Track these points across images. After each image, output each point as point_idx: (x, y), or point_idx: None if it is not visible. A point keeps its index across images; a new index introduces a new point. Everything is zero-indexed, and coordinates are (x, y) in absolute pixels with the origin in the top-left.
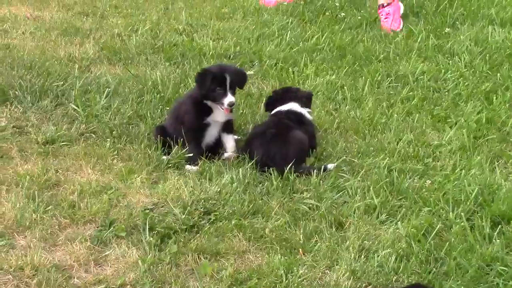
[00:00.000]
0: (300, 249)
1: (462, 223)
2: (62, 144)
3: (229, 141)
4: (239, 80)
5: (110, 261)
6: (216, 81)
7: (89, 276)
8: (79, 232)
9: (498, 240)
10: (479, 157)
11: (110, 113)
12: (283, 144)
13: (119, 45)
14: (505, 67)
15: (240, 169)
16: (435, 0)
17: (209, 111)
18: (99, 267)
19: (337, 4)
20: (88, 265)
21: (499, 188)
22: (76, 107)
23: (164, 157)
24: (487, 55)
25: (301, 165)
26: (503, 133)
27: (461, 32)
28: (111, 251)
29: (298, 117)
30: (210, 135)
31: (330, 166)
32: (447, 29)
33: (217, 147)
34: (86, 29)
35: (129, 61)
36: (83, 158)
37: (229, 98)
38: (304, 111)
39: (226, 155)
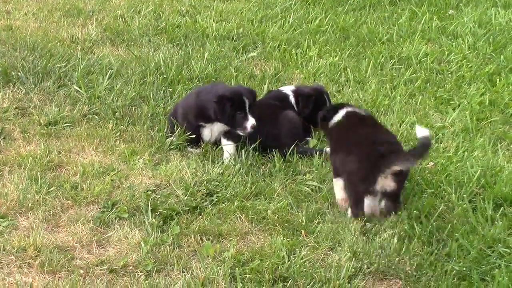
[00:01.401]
0: (303, 231)
1: (465, 205)
2: (65, 126)
3: (226, 150)
4: (253, 98)
5: (113, 242)
6: (235, 107)
7: (92, 257)
8: (82, 213)
9: (501, 222)
10: (482, 139)
11: (112, 94)
12: (275, 125)
13: (122, 26)
14: (508, 49)
15: (243, 151)
16: None
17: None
18: (101, 248)
19: None
20: (90, 246)
21: (501, 170)
22: (78, 89)
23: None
24: (491, 37)
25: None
26: (506, 115)
27: (464, 13)
28: (113, 232)
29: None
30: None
31: (328, 149)
32: (450, 10)
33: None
34: (89, 10)
35: (132, 43)
36: (86, 140)
37: (251, 121)
38: None
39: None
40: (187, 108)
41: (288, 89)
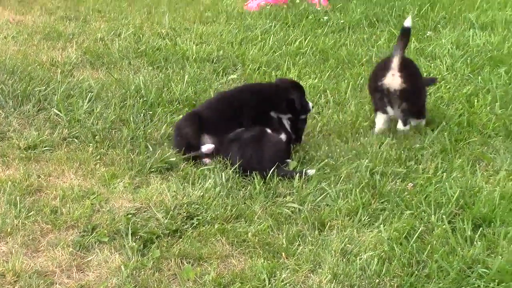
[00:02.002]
0: (283, 253)
1: (444, 226)
2: (44, 149)
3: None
4: None
5: (93, 266)
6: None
7: (71, 282)
8: (61, 237)
9: (480, 243)
10: (460, 160)
11: (92, 117)
12: (259, 147)
13: (102, 49)
14: (486, 70)
15: (223, 173)
16: (417, 4)
17: None
18: (81, 272)
19: (319, 8)
20: (70, 270)
21: (480, 190)
22: (58, 112)
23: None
24: (468, 58)
25: (281, 168)
26: (484, 136)
27: (442, 35)
28: (93, 256)
29: None
30: None
31: (310, 171)
32: (428, 32)
33: None
34: (69, 33)
35: (112, 66)
36: (66, 163)
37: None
38: None
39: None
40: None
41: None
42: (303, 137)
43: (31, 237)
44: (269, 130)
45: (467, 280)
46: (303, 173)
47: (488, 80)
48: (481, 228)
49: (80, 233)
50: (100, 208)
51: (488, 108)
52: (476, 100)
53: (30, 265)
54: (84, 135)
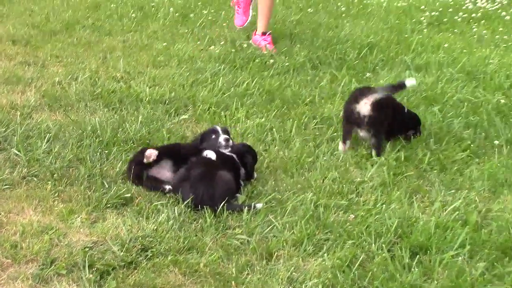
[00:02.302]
0: (233, 282)
1: (384, 254)
2: (5, 187)
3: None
4: None
5: None
6: None
7: None
8: (21, 271)
9: (417, 269)
10: (398, 192)
11: (51, 157)
12: (210, 184)
13: (60, 92)
14: (421, 108)
15: (176, 207)
16: (357, 48)
17: None
18: None
19: (266, 52)
20: None
21: (417, 220)
22: (18, 152)
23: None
24: (405, 97)
25: (230, 203)
26: (420, 170)
27: (380, 76)
28: None
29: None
30: None
31: (258, 205)
32: (368, 73)
33: None
34: (28, 77)
35: (69, 108)
36: (25, 201)
37: None
38: None
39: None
40: None
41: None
42: (254, 173)
43: None
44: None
45: None
46: (252, 206)
47: (423, 117)
48: (418, 255)
49: (39, 266)
50: (59, 243)
51: (423, 143)
52: (412, 137)
53: None
54: (42, 173)
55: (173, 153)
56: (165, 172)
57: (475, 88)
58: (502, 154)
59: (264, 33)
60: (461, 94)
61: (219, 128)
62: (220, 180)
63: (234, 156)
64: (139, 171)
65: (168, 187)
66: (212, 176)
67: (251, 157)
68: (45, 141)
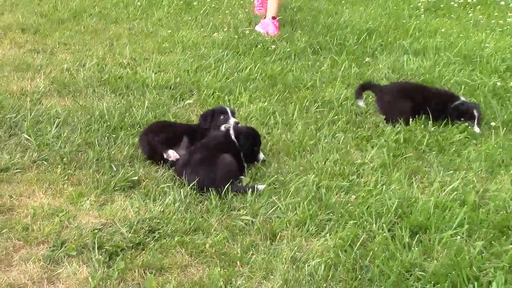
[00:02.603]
0: (238, 262)
1: (384, 234)
2: (16, 172)
3: None
4: None
5: (62, 278)
6: None
7: None
8: (33, 252)
9: (417, 248)
10: (398, 174)
11: (60, 141)
12: (211, 168)
13: (68, 79)
14: None
15: (182, 189)
16: (356, 33)
17: None
18: (51, 284)
19: (267, 38)
20: (41, 283)
21: (416, 201)
22: (28, 137)
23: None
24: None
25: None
26: (419, 152)
27: (379, 61)
28: (62, 269)
29: None
30: None
31: (261, 187)
32: (367, 58)
33: None
34: (37, 65)
35: (78, 94)
36: (36, 184)
37: None
38: None
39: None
40: None
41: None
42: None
43: (4, 253)
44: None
45: (406, 283)
46: (255, 188)
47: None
48: (417, 235)
49: (50, 248)
50: (69, 225)
51: (422, 126)
52: (411, 119)
53: (3, 279)
54: (52, 157)
55: (189, 132)
56: (182, 151)
57: (471, 71)
58: (498, 135)
59: (274, 18)
60: (458, 77)
61: (228, 109)
62: (221, 163)
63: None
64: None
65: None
66: (213, 160)
67: (246, 140)
68: (55, 126)
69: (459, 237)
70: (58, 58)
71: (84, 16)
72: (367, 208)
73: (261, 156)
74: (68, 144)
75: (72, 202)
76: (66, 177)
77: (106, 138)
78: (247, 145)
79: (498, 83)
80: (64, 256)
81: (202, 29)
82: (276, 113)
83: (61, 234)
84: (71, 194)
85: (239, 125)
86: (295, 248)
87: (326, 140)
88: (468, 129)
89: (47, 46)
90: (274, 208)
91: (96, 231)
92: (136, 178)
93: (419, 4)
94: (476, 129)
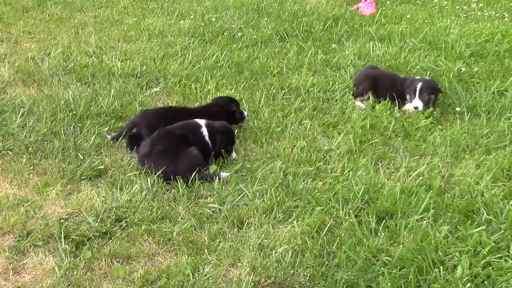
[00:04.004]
0: (205, 250)
1: (351, 219)
2: None
3: None
4: None
5: (28, 269)
6: None
7: (8, 284)
8: None
9: (383, 234)
10: (364, 159)
11: (25, 131)
12: (172, 161)
13: (33, 68)
14: None
15: (149, 178)
16: (322, 20)
17: None
18: (17, 275)
19: (234, 26)
20: (7, 273)
21: (383, 186)
22: None
23: None
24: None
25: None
26: (385, 137)
27: (346, 47)
28: (28, 259)
29: None
30: None
31: (224, 174)
32: (333, 45)
33: None
34: (1, 54)
35: (43, 83)
36: (1, 174)
37: None
38: None
39: None
40: None
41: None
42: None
43: None
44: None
45: (373, 268)
46: (219, 176)
47: None
48: (384, 220)
49: (16, 238)
50: (34, 215)
51: (388, 112)
52: (377, 105)
53: None
54: (17, 147)
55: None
56: None
57: (437, 57)
58: (463, 120)
59: None
60: (423, 63)
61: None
62: (184, 156)
63: (206, 133)
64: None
65: None
66: (176, 152)
67: (222, 137)
68: (20, 115)
69: (425, 222)
70: (23, 47)
71: (49, 4)
72: (334, 194)
73: (234, 155)
74: (33, 133)
75: (38, 192)
76: (32, 167)
77: (72, 127)
78: (223, 145)
79: (463, 69)
80: (30, 247)
81: (168, 17)
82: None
83: (26, 224)
84: (37, 184)
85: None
86: (263, 235)
87: (292, 127)
88: (434, 115)
89: (11, 35)
90: (241, 195)
91: (63, 220)
92: (103, 167)
93: None
94: (416, 103)
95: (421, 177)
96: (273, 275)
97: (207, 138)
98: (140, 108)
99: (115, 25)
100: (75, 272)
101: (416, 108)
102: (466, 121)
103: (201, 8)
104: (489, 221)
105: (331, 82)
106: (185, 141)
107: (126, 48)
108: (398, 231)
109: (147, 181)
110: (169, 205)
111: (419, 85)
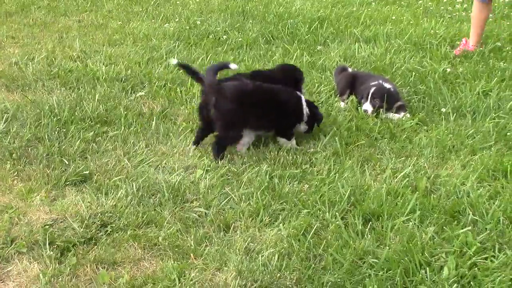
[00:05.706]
0: (192, 254)
1: (337, 222)
2: None
3: None
4: None
5: (13, 276)
6: None
7: None
8: None
9: (370, 236)
10: (350, 161)
11: (9, 137)
12: None
13: (17, 73)
14: None
15: (134, 183)
16: (307, 22)
17: None
18: (1, 282)
19: (219, 29)
20: None
21: (369, 188)
22: None
23: None
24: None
25: None
26: (371, 139)
27: (331, 49)
28: (13, 266)
29: None
30: None
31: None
32: (319, 47)
33: None
34: None
35: (27, 88)
36: None
37: None
38: None
39: None
40: None
41: None
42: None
43: None
44: None
45: (359, 270)
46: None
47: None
48: (370, 222)
49: None
50: (19, 221)
51: (374, 113)
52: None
53: None
54: (1, 153)
55: None
56: None
57: (422, 58)
58: (449, 121)
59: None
60: (409, 64)
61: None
62: None
63: None
64: None
65: None
66: None
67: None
68: (3, 121)
69: (411, 223)
70: (6, 52)
71: (33, 8)
72: (320, 197)
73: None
74: (17, 139)
75: (22, 198)
76: (16, 173)
77: (56, 132)
78: None
79: (448, 69)
80: (14, 253)
81: (153, 20)
82: None
83: (11, 231)
84: (21, 190)
85: None
86: (249, 239)
87: None
88: (419, 116)
89: None
90: (227, 199)
91: (47, 227)
92: (88, 172)
93: None
94: (366, 107)
95: (407, 179)
96: (260, 278)
97: None
98: (125, 112)
99: (99, 29)
100: (60, 279)
101: (365, 111)
102: (452, 122)
103: (186, 11)
104: (475, 222)
105: (316, 84)
106: None
107: (110, 52)
108: (385, 232)
109: (133, 186)
110: (155, 209)
111: (372, 90)
